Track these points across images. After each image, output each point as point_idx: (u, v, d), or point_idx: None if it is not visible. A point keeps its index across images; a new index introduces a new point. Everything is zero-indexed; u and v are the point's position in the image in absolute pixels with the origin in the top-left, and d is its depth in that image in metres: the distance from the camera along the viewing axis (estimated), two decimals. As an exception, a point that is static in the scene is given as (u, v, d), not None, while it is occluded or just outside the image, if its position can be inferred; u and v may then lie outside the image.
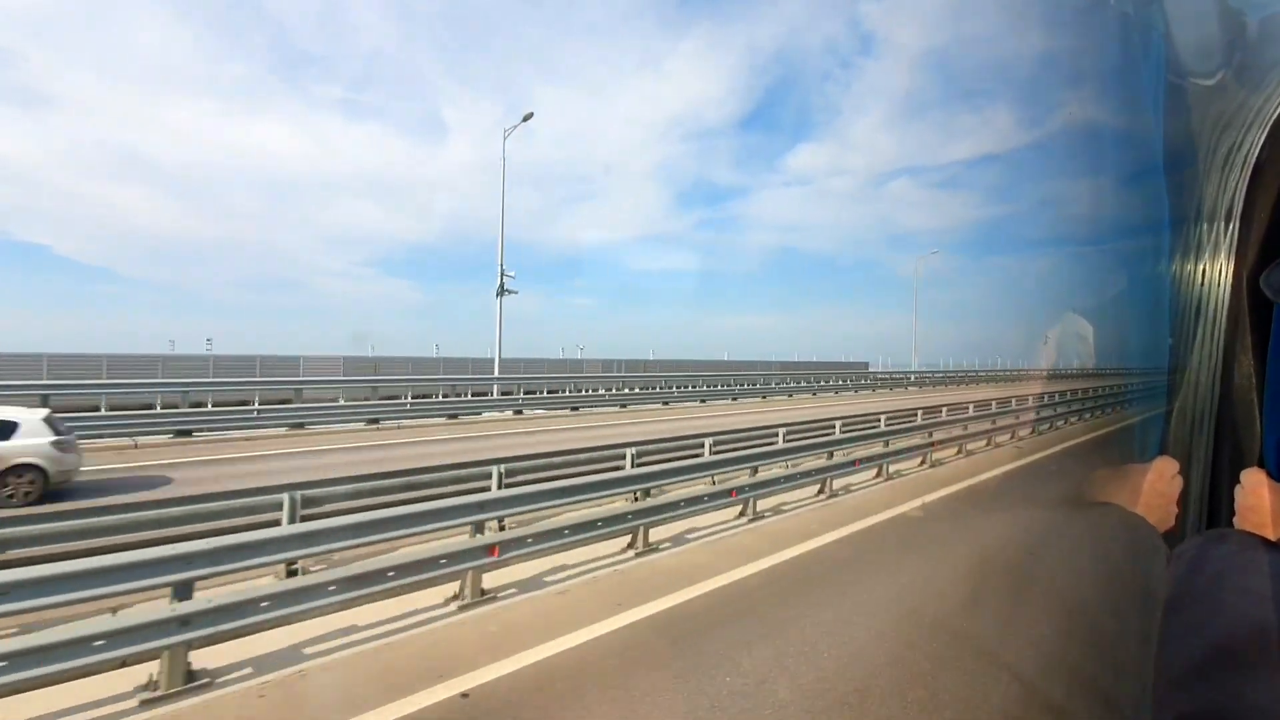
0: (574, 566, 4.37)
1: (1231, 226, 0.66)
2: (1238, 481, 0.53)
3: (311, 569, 3.47)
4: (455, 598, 3.65)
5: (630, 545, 4.73)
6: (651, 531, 4.80)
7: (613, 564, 4.44)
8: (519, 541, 3.80)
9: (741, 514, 5.61)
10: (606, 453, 5.75)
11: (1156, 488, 0.69)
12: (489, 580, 3.84)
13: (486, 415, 12.18)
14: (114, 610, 2.60)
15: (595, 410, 13.59)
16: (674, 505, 4.87)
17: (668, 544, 4.92)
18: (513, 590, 3.88)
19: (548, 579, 4.11)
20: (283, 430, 9.08)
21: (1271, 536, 0.46)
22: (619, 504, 4.77)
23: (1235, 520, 0.52)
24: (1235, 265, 0.65)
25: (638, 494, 4.82)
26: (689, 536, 5.14)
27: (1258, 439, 0.58)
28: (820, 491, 6.46)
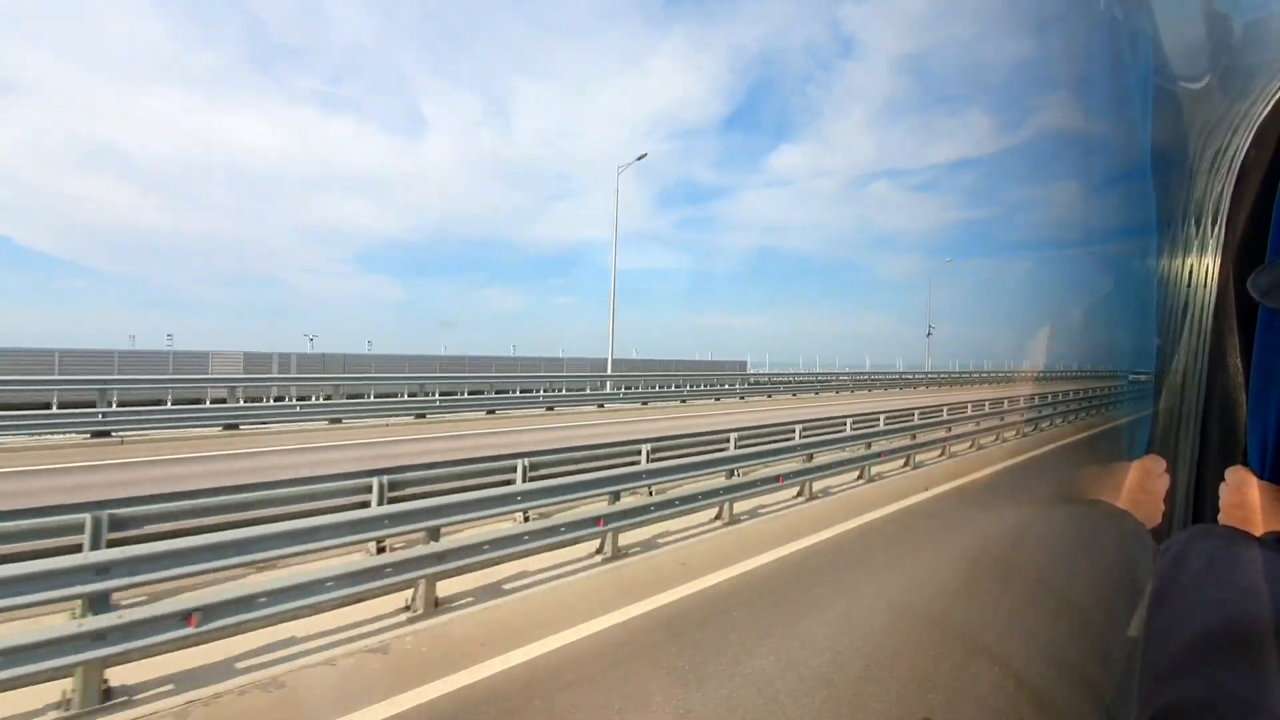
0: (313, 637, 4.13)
1: (1217, 229, 0.92)
2: (1223, 479, 0.75)
3: None
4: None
5: (407, 607, 4.71)
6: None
7: (386, 628, 4.34)
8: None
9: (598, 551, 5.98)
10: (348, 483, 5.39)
11: (1144, 485, 0.95)
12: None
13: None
14: None
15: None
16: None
17: (469, 599, 4.94)
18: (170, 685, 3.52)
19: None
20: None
21: (1255, 532, 0.65)
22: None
23: (1220, 516, 0.74)
24: (1221, 267, 0.91)
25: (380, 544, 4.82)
26: (507, 587, 5.23)
27: (1242, 437, 0.82)
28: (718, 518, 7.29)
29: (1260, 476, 0.72)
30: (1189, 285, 0.98)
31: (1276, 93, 0.86)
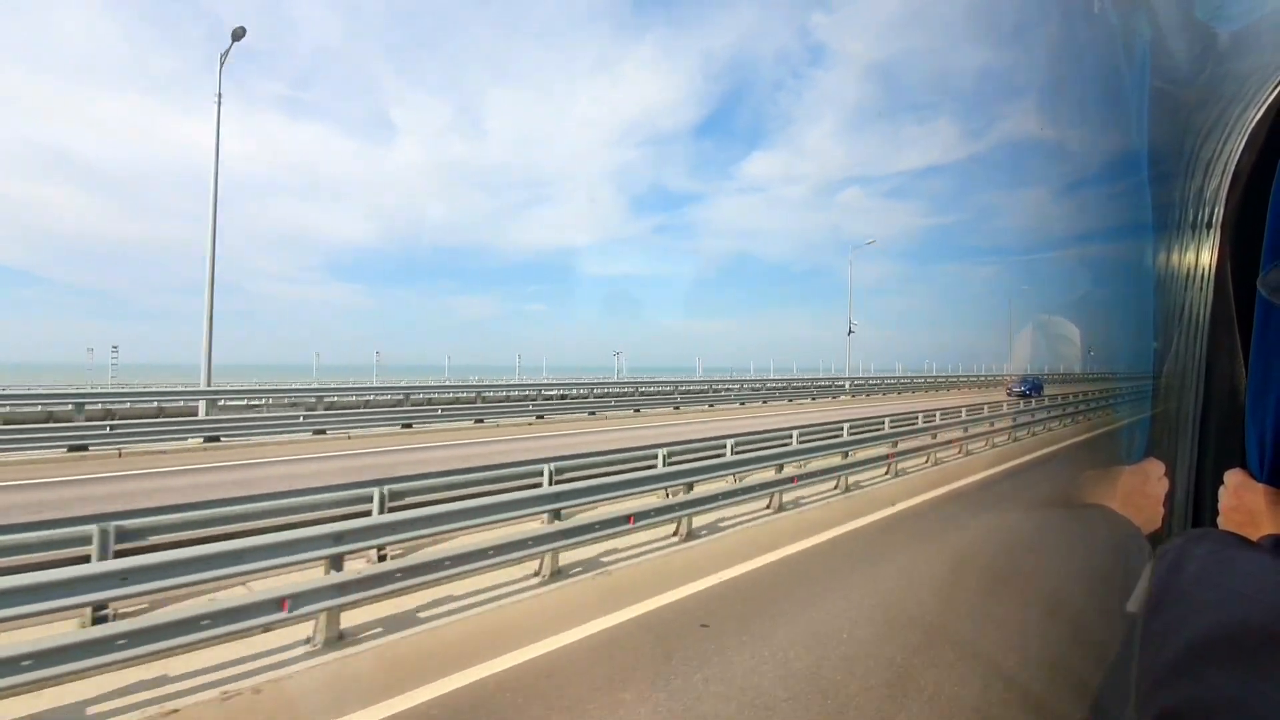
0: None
1: (1213, 232, 1.04)
2: (1222, 482, 0.84)
3: None
4: None
5: (305, 643, 4.63)
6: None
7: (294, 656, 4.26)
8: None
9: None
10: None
11: (1143, 489, 1.07)
12: None
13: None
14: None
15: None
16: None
17: (377, 629, 4.94)
18: None
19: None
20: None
21: (1253, 536, 0.73)
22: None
23: (1219, 520, 0.83)
24: (1217, 269, 1.02)
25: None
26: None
27: (1241, 440, 0.89)
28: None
29: (1259, 479, 0.80)
30: (1185, 288, 1.10)
31: (1269, 97, 0.98)
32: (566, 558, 6.49)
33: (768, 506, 8.90)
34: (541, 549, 6.03)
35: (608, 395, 24.62)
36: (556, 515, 6.48)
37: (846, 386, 36.93)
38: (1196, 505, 1.05)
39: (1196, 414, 1.06)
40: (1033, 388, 31.79)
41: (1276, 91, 0.97)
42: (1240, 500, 0.81)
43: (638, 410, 23.53)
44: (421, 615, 5.22)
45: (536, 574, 6.19)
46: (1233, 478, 0.83)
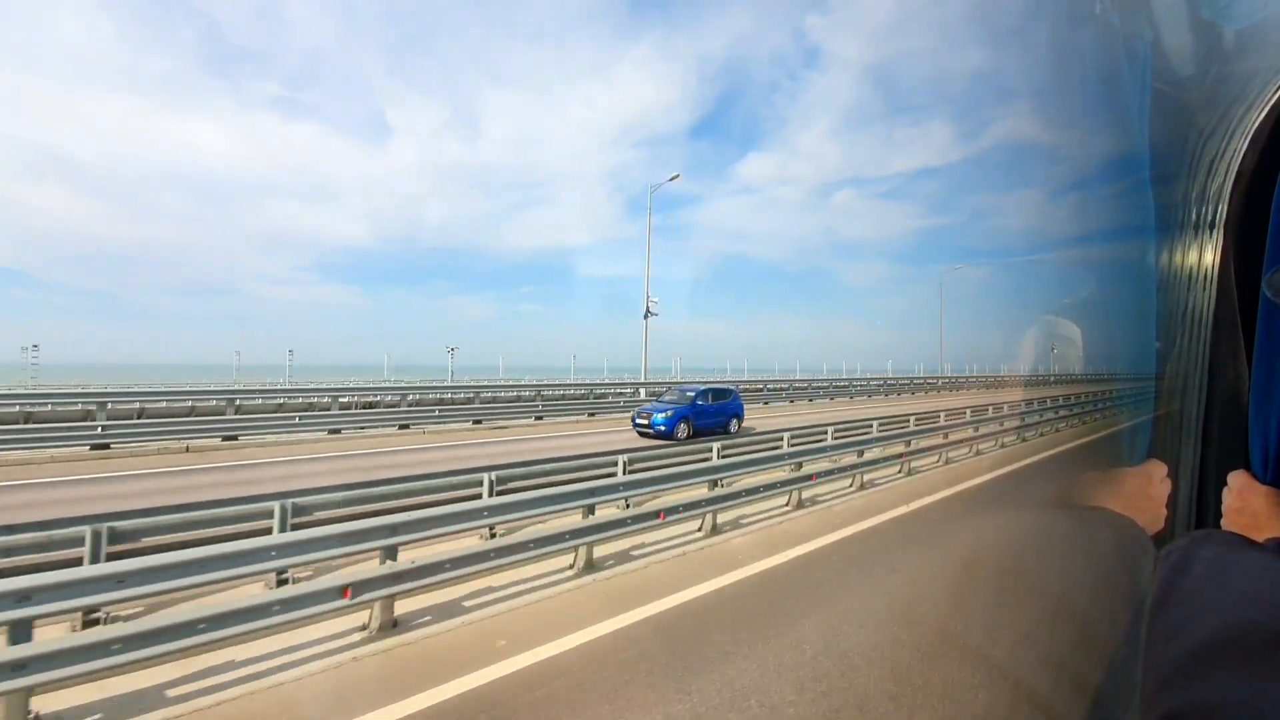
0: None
1: (1216, 233, 1.14)
2: (1225, 483, 0.92)
3: None
4: None
5: None
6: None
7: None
8: None
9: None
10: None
11: (1146, 491, 1.16)
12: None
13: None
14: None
15: None
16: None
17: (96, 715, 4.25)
18: None
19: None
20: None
21: (1258, 537, 0.80)
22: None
23: (1223, 522, 0.90)
24: (1220, 270, 1.12)
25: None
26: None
27: (1244, 441, 1.00)
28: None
29: (1263, 480, 0.89)
30: (1188, 288, 1.20)
31: (1272, 97, 1.09)
32: (408, 605, 5.89)
33: (700, 528, 8.77)
34: (367, 597, 5.36)
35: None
36: (392, 554, 6.11)
37: (641, 394, 26.75)
38: (1200, 507, 1.15)
39: (1199, 415, 1.16)
40: (690, 414, 18.57)
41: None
42: (1244, 502, 0.90)
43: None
44: (171, 694, 4.39)
45: (364, 627, 5.72)
46: (1236, 479, 0.92)
